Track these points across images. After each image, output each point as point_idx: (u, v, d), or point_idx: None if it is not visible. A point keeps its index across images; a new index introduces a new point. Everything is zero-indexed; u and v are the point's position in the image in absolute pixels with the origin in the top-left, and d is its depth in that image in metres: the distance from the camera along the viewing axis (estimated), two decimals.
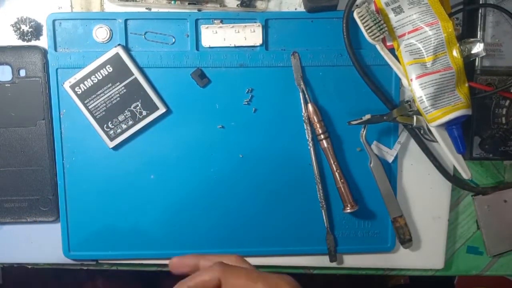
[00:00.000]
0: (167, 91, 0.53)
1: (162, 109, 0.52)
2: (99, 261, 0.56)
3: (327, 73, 0.53)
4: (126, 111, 0.51)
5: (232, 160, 0.54)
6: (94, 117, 0.51)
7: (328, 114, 0.54)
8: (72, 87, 0.51)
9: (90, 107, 0.51)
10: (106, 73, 0.51)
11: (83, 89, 0.51)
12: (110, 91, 0.51)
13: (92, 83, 0.51)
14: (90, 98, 0.51)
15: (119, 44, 0.51)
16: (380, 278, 0.95)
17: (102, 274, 0.80)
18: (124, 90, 0.51)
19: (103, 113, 0.51)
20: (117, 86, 0.51)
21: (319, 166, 0.54)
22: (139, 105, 0.51)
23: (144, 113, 0.52)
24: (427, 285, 0.94)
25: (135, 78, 0.51)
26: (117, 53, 0.50)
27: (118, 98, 0.51)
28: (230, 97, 0.53)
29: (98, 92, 0.51)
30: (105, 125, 0.52)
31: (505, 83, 0.51)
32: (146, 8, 0.53)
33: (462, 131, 0.51)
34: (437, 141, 0.52)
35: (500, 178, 0.58)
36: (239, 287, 0.35)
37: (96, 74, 0.51)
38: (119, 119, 0.52)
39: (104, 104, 0.51)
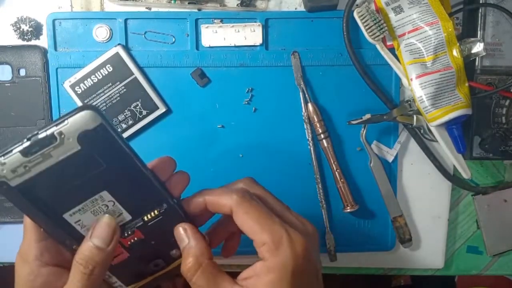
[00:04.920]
0: (167, 91, 0.53)
1: (162, 109, 0.52)
2: None
3: (327, 72, 0.53)
4: (126, 110, 0.51)
5: (232, 160, 0.54)
6: None
7: (328, 114, 0.54)
8: (72, 86, 0.51)
9: None
10: (106, 72, 0.51)
11: (83, 89, 0.51)
12: (110, 90, 0.51)
13: (92, 83, 0.51)
14: (90, 98, 0.51)
15: (119, 44, 0.51)
16: (381, 279, 0.95)
17: None
18: (124, 90, 0.51)
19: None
20: (117, 85, 0.51)
21: (319, 166, 0.54)
22: (139, 104, 0.51)
23: (144, 112, 0.52)
24: (428, 286, 0.94)
25: (135, 78, 0.51)
26: (117, 53, 0.50)
27: (118, 98, 0.51)
28: (230, 97, 0.53)
29: (98, 92, 0.51)
30: None
31: (505, 83, 0.51)
32: (146, 8, 0.53)
33: (462, 131, 0.51)
34: (437, 141, 0.52)
35: (500, 177, 0.58)
36: (245, 226, 0.35)
37: (96, 74, 0.50)
38: (119, 118, 0.52)
39: (104, 104, 0.51)
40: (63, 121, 0.30)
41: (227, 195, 0.36)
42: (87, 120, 0.31)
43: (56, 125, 0.30)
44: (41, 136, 0.30)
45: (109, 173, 0.34)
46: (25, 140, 0.30)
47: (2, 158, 0.30)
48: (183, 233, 0.37)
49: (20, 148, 0.30)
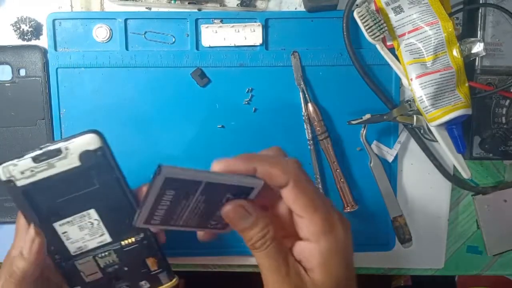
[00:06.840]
0: (167, 91, 0.53)
1: None
2: None
3: (327, 72, 0.53)
4: None
5: None
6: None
7: (328, 114, 0.54)
8: None
9: None
10: None
11: None
12: None
13: None
14: None
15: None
16: (381, 279, 0.95)
17: None
18: None
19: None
20: None
21: (319, 166, 0.54)
22: None
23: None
24: (428, 286, 0.94)
25: None
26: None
27: None
28: (230, 97, 0.53)
29: None
30: None
31: (505, 83, 0.51)
32: (146, 8, 0.53)
33: (462, 131, 0.51)
34: (437, 141, 0.52)
35: (500, 177, 0.58)
36: (298, 202, 0.33)
37: None
38: None
39: None
40: (71, 138, 0.36)
41: (281, 165, 0.33)
42: (90, 141, 0.36)
43: (65, 141, 0.36)
44: (51, 147, 0.36)
45: (99, 193, 0.38)
46: (37, 149, 0.36)
47: (16, 160, 0.35)
48: (246, 209, 0.34)
49: (33, 154, 0.36)
